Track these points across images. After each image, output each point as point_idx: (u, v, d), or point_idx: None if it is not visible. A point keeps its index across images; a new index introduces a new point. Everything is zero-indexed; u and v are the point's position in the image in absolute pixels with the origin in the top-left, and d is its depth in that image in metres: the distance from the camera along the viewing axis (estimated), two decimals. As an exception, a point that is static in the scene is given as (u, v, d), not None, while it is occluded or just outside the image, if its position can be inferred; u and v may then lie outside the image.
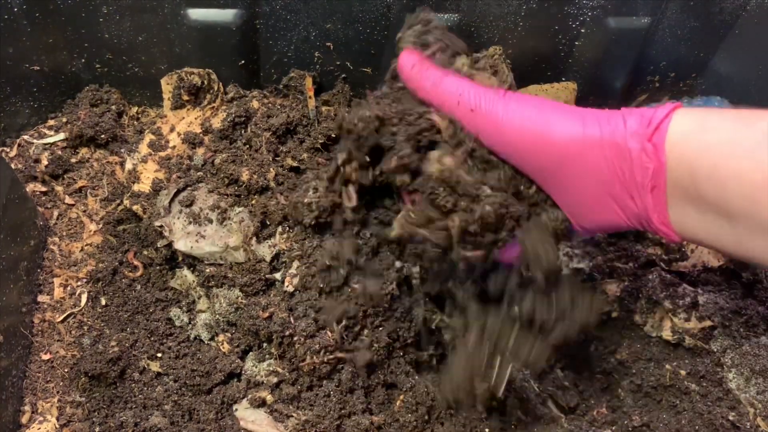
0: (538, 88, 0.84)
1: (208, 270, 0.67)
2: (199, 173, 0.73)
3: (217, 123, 0.77)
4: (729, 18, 0.87)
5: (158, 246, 0.69)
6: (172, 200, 0.68)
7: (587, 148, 0.47)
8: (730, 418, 0.70)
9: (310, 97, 0.78)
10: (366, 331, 0.63)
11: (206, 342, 0.68)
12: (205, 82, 0.80)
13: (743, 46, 0.90)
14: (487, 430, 0.68)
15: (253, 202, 0.68)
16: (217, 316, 0.67)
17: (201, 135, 0.77)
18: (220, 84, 0.82)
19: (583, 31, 0.84)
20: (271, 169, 0.70)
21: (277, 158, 0.72)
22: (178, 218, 0.67)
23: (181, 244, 0.66)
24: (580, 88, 0.87)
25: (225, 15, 0.77)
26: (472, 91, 0.52)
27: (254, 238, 0.67)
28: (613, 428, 0.72)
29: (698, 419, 0.70)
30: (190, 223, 0.67)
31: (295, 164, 0.71)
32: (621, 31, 0.84)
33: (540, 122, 0.49)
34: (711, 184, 0.43)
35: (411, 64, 0.56)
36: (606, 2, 0.81)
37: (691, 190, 0.44)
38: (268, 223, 0.67)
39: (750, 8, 0.86)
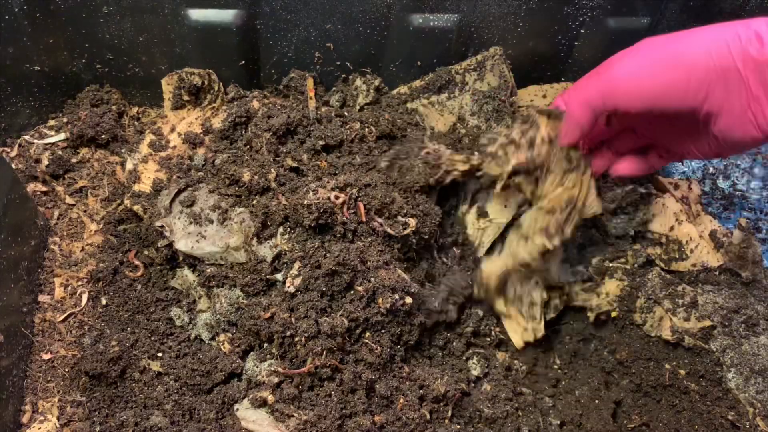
0: (537, 88, 0.85)
1: (208, 270, 0.67)
2: (199, 173, 0.73)
3: (217, 123, 0.77)
4: (729, 18, 0.87)
5: (159, 246, 0.69)
6: (172, 200, 0.68)
7: (704, 90, 0.52)
8: (730, 417, 0.70)
9: (311, 98, 0.79)
10: (368, 333, 0.63)
11: (207, 342, 0.68)
12: (206, 83, 0.80)
13: (743, 46, 0.90)
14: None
15: (254, 202, 0.68)
16: (218, 316, 0.67)
17: (201, 135, 0.77)
18: (221, 84, 0.82)
19: (582, 31, 0.84)
20: (272, 169, 0.70)
21: (277, 158, 0.72)
22: (179, 218, 0.67)
23: (182, 244, 0.66)
24: (580, 89, 0.86)
25: (225, 15, 0.77)
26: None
27: (255, 239, 0.67)
28: (613, 428, 0.73)
29: (698, 419, 0.71)
30: (190, 223, 0.67)
31: (294, 165, 0.71)
32: (621, 31, 0.84)
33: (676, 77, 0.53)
34: None
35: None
36: (606, 2, 0.81)
37: None
38: (269, 223, 0.67)
39: (750, 8, 0.86)
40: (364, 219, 0.64)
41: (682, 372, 0.74)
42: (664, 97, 0.54)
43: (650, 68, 0.54)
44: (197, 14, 0.77)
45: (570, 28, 0.83)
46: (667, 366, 0.73)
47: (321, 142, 0.73)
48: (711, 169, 0.89)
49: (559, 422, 0.72)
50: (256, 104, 0.79)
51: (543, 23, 0.82)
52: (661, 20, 0.86)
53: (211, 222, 0.67)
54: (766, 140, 0.53)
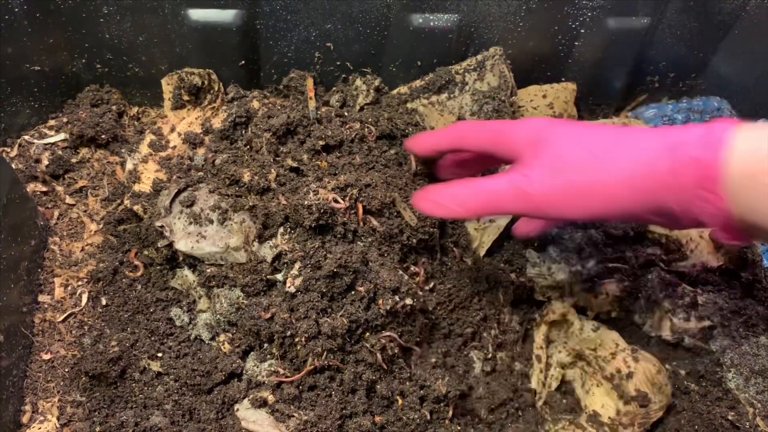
0: (537, 88, 0.85)
1: (208, 270, 0.67)
2: (200, 173, 0.73)
3: (217, 123, 0.77)
4: (728, 18, 0.88)
5: (159, 246, 0.69)
6: (172, 200, 0.68)
7: (629, 212, 0.46)
8: (730, 417, 0.70)
9: (311, 98, 0.79)
10: (368, 334, 0.63)
11: (207, 342, 0.68)
12: (206, 83, 0.80)
13: (743, 46, 0.90)
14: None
15: (255, 202, 0.68)
16: (218, 316, 0.67)
17: (201, 135, 0.77)
18: (221, 84, 0.82)
19: (582, 31, 0.84)
20: (272, 169, 0.70)
21: (277, 158, 0.72)
22: (179, 218, 0.67)
23: (182, 245, 0.66)
24: (580, 89, 0.87)
25: (225, 15, 0.77)
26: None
27: (255, 239, 0.67)
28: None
29: (697, 419, 0.71)
30: (190, 223, 0.67)
31: (295, 164, 0.71)
32: (621, 31, 0.84)
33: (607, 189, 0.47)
34: None
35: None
36: (606, 2, 0.81)
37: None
38: (270, 223, 0.67)
39: (749, 8, 0.86)
40: (361, 222, 0.64)
41: (682, 372, 0.74)
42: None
43: (575, 200, 0.48)
44: (197, 14, 0.77)
45: (570, 28, 0.83)
46: (667, 366, 0.73)
47: (321, 142, 0.73)
48: (711, 169, 0.89)
49: (559, 422, 0.72)
50: (256, 104, 0.79)
51: (543, 23, 0.82)
52: (661, 20, 0.86)
53: (211, 222, 0.67)
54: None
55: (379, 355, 0.62)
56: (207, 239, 0.66)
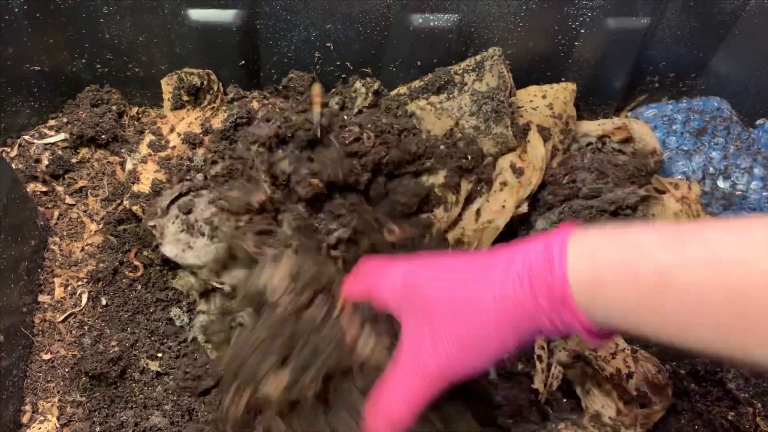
0: (537, 88, 0.84)
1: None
2: (204, 181, 0.72)
3: (217, 123, 0.77)
4: (728, 18, 0.87)
5: (155, 246, 0.69)
6: (171, 203, 0.68)
7: (510, 342, 0.46)
8: (730, 417, 0.70)
9: (316, 103, 0.78)
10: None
11: (202, 344, 0.68)
12: (205, 83, 0.80)
13: (743, 46, 0.90)
14: None
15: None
16: (212, 317, 0.67)
17: (201, 135, 0.77)
18: (220, 84, 0.82)
19: (582, 31, 0.84)
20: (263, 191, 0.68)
21: (272, 166, 0.71)
22: (173, 222, 0.67)
23: (168, 249, 0.66)
24: (580, 89, 0.87)
25: (225, 15, 0.77)
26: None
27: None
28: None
29: (697, 419, 0.71)
30: (183, 230, 0.67)
31: (289, 170, 0.70)
32: (620, 31, 0.84)
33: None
34: (633, 327, 0.41)
35: None
36: (605, 2, 0.81)
37: (620, 327, 0.42)
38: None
39: (749, 8, 0.86)
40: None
41: (682, 372, 0.74)
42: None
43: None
44: (197, 14, 0.77)
45: (570, 28, 0.83)
46: (666, 366, 0.73)
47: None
48: (711, 169, 0.89)
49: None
50: (255, 105, 0.79)
51: (543, 23, 0.82)
52: (661, 20, 0.86)
53: (202, 235, 0.66)
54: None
55: None
56: (193, 251, 0.66)
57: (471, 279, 0.47)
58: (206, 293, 0.67)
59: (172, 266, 0.70)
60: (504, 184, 0.76)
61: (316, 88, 0.81)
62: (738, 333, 0.37)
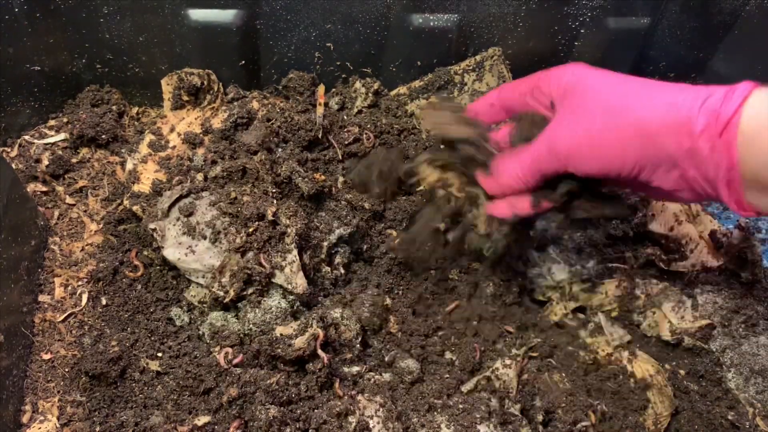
0: (537, 88, 0.84)
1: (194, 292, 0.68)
2: (204, 182, 0.72)
3: (217, 123, 0.77)
4: (728, 18, 0.88)
5: (155, 246, 0.69)
6: (172, 204, 0.68)
7: (655, 155, 0.48)
8: (729, 417, 0.70)
9: (320, 104, 0.79)
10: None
11: (208, 341, 0.68)
12: (205, 83, 0.80)
13: (743, 46, 0.90)
14: None
15: (242, 241, 0.66)
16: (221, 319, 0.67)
17: (201, 135, 0.77)
18: (220, 84, 0.82)
19: (582, 31, 0.84)
20: (273, 205, 0.68)
21: (274, 166, 0.71)
22: (174, 225, 0.66)
23: (170, 253, 0.66)
24: (580, 89, 0.87)
25: (225, 15, 0.77)
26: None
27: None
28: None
29: (697, 419, 0.71)
30: (184, 233, 0.66)
31: (288, 173, 0.70)
32: (620, 31, 0.84)
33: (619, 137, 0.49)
34: None
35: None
36: (605, 2, 0.81)
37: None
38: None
39: (749, 8, 0.86)
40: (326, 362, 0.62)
41: (682, 372, 0.74)
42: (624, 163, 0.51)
43: (605, 135, 0.50)
44: (197, 14, 0.77)
45: (570, 28, 0.83)
46: (666, 366, 0.73)
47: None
48: (711, 169, 0.90)
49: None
50: (255, 105, 0.79)
51: (543, 23, 0.82)
52: (661, 20, 0.86)
53: (204, 238, 0.66)
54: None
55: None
56: (195, 255, 0.66)
57: (638, 89, 0.49)
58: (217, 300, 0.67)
59: (171, 266, 0.70)
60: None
61: (321, 90, 0.81)
62: None
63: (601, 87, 0.51)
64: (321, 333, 0.61)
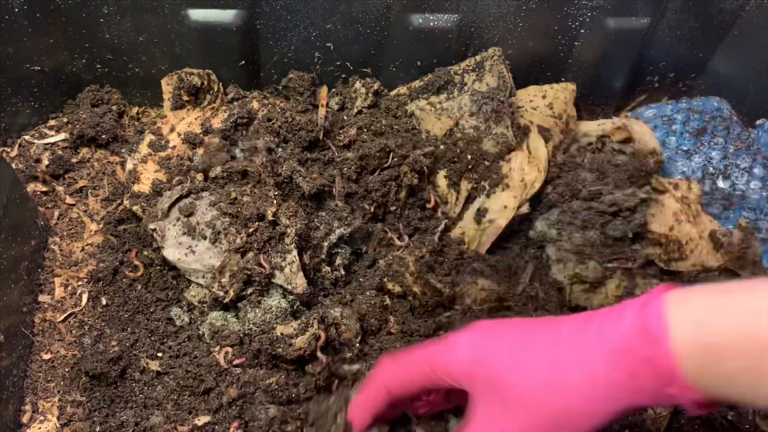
0: (537, 89, 0.85)
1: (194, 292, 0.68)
2: (204, 182, 0.72)
3: (217, 123, 0.77)
4: (728, 18, 0.88)
5: (157, 246, 0.69)
6: (172, 205, 0.68)
7: (600, 423, 0.43)
8: (730, 417, 0.70)
9: (322, 105, 0.79)
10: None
11: (208, 341, 0.68)
12: (205, 83, 0.80)
13: (742, 46, 0.90)
14: None
15: (242, 241, 0.66)
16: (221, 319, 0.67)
17: (201, 135, 0.77)
18: (220, 84, 0.82)
19: (582, 31, 0.84)
20: (273, 205, 0.68)
21: (275, 166, 0.71)
22: (174, 225, 0.66)
23: (170, 253, 0.66)
24: (580, 89, 0.87)
25: (225, 15, 0.77)
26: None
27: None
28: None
29: (697, 419, 0.71)
30: (184, 233, 0.66)
31: (289, 172, 0.70)
32: (620, 31, 0.84)
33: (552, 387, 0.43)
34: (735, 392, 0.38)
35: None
36: (605, 2, 0.81)
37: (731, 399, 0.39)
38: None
39: (749, 8, 0.86)
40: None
41: (682, 372, 0.74)
42: None
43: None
44: (197, 14, 0.77)
45: (570, 28, 0.83)
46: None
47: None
48: (711, 169, 0.89)
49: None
50: (255, 105, 0.79)
51: (543, 23, 0.82)
52: (661, 20, 0.86)
53: (204, 238, 0.66)
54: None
55: None
56: (195, 255, 0.66)
57: (554, 361, 0.43)
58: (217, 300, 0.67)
59: (171, 266, 0.70)
60: (507, 185, 0.76)
61: (324, 91, 0.81)
62: None
63: (518, 362, 0.45)
64: (323, 334, 0.61)
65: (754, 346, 0.36)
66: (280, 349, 0.60)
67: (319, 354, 0.61)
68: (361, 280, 0.73)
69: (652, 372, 0.39)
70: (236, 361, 0.63)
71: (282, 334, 0.61)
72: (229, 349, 0.64)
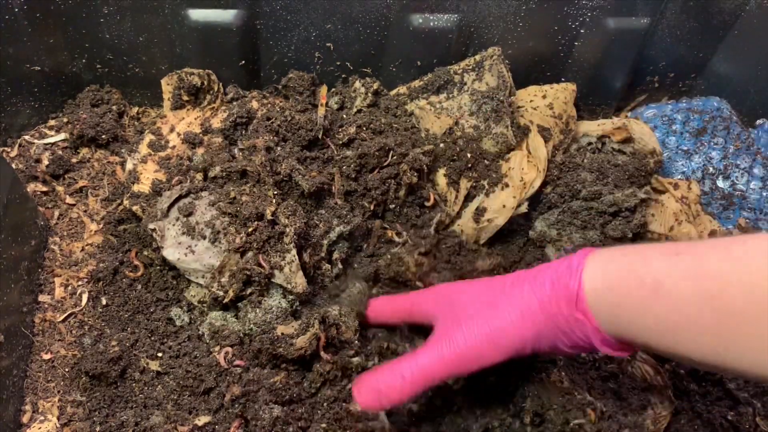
0: (537, 89, 0.85)
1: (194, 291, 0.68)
2: (204, 182, 0.72)
3: (217, 123, 0.77)
4: (728, 18, 0.88)
5: (157, 246, 0.69)
6: (172, 204, 0.68)
7: (530, 341, 0.52)
8: (730, 417, 0.70)
9: (321, 105, 0.79)
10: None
11: (208, 341, 0.68)
12: (205, 83, 0.80)
13: (742, 46, 0.90)
14: None
15: (241, 241, 0.66)
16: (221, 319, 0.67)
17: (201, 135, 0.77)
18: (220, 84, 0.82)
19: (582, 31, 0.84)
20: (272, 204, 0.68)
21: (274, 167, 0.71)
22: (174, 225, 0.66)
23: (169, 253, 0.66)
24: (580, 89, 0.87)
25: (225, 15, 0.77)
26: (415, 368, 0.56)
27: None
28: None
29: (697, 419, 0.71)
30: (184, 233, 0.66)
31: (288, 171, 0.70)
32: (620, 31, 0.84)
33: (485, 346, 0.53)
34: (637, 333, 0.46)
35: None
36: (605, 2, 0.81)
37: (626, 335, 0.47)
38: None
39: (749, 8, 0.86)
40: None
41: (682, 372, 0.73)
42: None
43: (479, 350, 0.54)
44: (197, 14, 0.77)
45: (570, 28, 0.83)
46: (666, 366, 0.73)
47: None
48: (711, 169, 0.89)
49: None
50: (255, 104, 0.79)
51: (543, 23, 0.82)
52: (661, 20, 0.86)
53: (204, 238, 0.66)
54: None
55: None
56: (194, 255, 0.66)
57: (501, 287, 0.54)
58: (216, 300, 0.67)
59: (172, 266, 0.70)
60: (506, 184, 0.76)
61: (324, 91, 0.81)
62: (720, 337, 0.40)
63: (475, 294, 0.56)
64: (323, 335, 0.61)
65: (640, 285, 0.44)
66: (281, 349, 0.60)
67: (322, 354, 0.61)
68: (355, 266, 0.74)
69: (567, 297, 0.48)
70: (237, 362, 0.63)
71: (283, 333, 0.61)
72: (230, 349, 0.64)
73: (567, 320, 0.48)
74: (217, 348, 0.65)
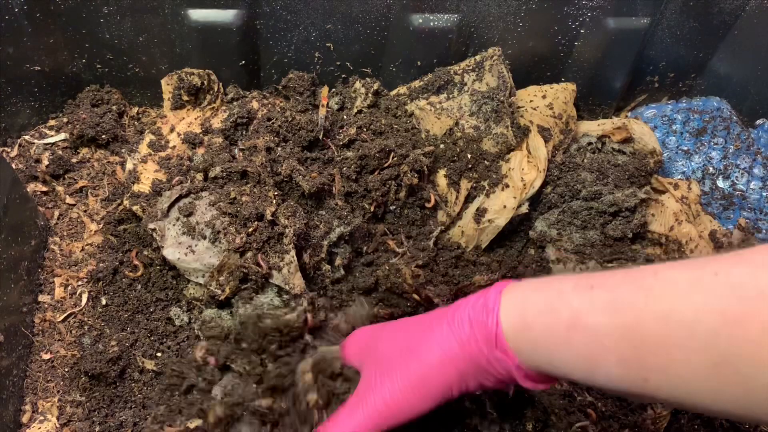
0: (537, 89, 0.85)
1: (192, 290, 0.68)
2: (204, 182, 0.72)
3: (217, 123, 0.77)
4: (728, 18, 0.88)
5: (157, 246, 0.69)
6: (172, 204, 0.68)
7: (456, 385, 0.50)
8: (729, 417, 0.70)
9: (323, 105, 0.79)
10: None
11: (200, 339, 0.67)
12: (205, 83, 0.80)
13: (742, 46, 0.90)
14: None
15: (241, 242, 0.66)
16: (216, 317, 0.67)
17: (201, 135, 0.77)
18: (220, 84, 0.82)
19: (582, 31, 0.84)
20: (272, 205, 0.68)
21: (274, 167, 0.71)
22: (174, 225, 0.66)
23: (170, 252, 0.66)
24: (580, 89, 0.87)
25: (225, 15, 0.77)
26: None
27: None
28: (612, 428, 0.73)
29: (697, 419, 0.71)
30: (184, 233, 0.66)
31: (288, 171, 0.70)
32: (620, 31, 0.84)
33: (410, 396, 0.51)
34: (558, 366, 0.45)
35: None
36: (605, 3, 0.81)
37: (548, 368, 0.46)
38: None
39: (749, 9, 0.86)
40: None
41: (682, 372, 0.73)
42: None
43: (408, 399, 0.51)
44: (197, 14, 0.77)
45: (570, 28, 0.83)
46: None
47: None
48: (711, 169, 0.89)
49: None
50: (255, 104, 0.79)
51: (543, 23, 0.82)
52: (661, 20, 0.86)
53: (204, 238, 0.66)
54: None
55: None
56: (195, 254, 0.66)
57: (420, 330, 0.52)
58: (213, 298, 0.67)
59: (171, 266, 0.70)
60: (506, 185, 0.76)
61: (325, 91, 0.81)
62: (640, 368, 0.40)
63: (393, 339, 0.54)
64: (310, 316, 0.61)
65: (557, 321, 0.43)
66: (268, 321, 0.59)
67: (307, 336, 0.60)
68: (356, 274, 0.73)
69: (487, 338, 0.47)
70: (210, 360, 0.61)
71: (269, 312, 0.61)
72: (205, 343, 0.62)
73: (488, 359, 0.48)
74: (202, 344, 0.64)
